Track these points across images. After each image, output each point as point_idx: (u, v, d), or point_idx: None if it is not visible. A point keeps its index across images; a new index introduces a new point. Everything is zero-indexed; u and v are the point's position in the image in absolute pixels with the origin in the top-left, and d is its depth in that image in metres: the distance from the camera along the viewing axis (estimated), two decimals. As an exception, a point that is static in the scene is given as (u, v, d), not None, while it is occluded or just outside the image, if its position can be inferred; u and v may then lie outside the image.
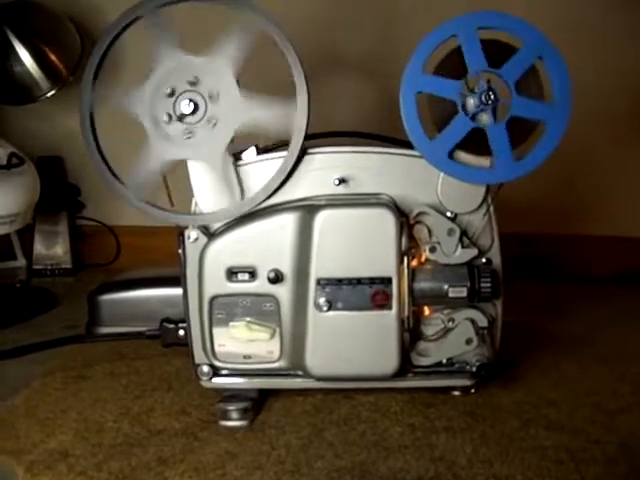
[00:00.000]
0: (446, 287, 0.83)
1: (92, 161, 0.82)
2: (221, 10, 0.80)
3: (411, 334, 0.84)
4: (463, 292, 0.83)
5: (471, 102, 0.80)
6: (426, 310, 0.86)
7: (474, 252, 0.84)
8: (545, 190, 1.41)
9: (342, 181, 0.83)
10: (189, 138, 0.81)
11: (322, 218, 0.80)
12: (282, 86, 0.80)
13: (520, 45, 0.80)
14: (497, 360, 0.87)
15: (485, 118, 0.81)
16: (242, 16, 0.80)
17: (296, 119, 0.80)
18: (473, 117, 0.81)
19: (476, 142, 0.81)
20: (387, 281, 0.81)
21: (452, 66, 0.81)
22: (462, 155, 0.83)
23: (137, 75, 0.82)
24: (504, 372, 0.95)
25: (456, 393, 0.90)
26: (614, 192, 1.55)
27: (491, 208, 0.85)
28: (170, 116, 0.81)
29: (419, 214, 0.84)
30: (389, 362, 0.83)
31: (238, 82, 0.80)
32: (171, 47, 0.80)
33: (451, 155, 0.82)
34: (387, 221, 0.80)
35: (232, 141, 0.81)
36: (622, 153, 1.53)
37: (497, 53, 0.80)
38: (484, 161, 0.83)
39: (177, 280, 0.86)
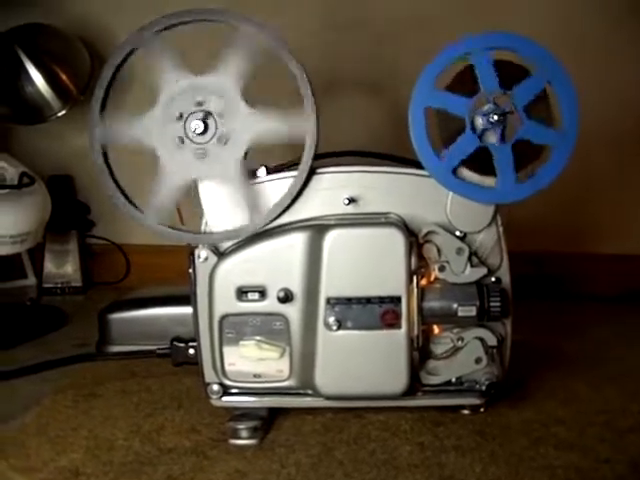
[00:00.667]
0: (455, 306, 0.83)
1: (109, 191, 0.83)
2: (222, 29, 0.81)
3: (420, 353, 0.84)
4: (472, 311, 0.83)
5: (479, 121, 0.81)
6: (435, 329, 0.86)
7: (483, 271, 0.84)
8: (553, 209, 1.41)
9: (351, 200, 0.84)
10: (202, 158, 0.82)
11: (332, 237, 0.81)
12: (289, 105, 0.81)
13: (532, 68, 0.81)
14: (506, 379, 0.87)
15: (492, 138, 0.81)
16: (244, 32, 0.80)
17: (306, 139, 0.81)
18: (480, 136, 0.81)
19: (482, 161, 0.82)
20: (397, 300, 0.81)
21: (463, 83, 0.82)
22: (467, 173, 0.83)
23: (144, 102, 0.83)
24: (513, 391, 0.95)
25: (465, 412, 0.90)
26: (620, 210, 1.55)
27: (500, 227, 0.85)
28: (182, 139, 0.81)
29: (428, 233, 0.84)
30: (398, 381, 0.83)
31: (245, 99, 0.81)
32: (174, 71, 0.81)
33: (456, 172, 0.82)
34: (396, 240, 0.80)
35: (245, 157, 0.82)
36: (627, 171, 1.53)
37: (509, 74, 0.81)
38: (488, 180, 0.83)
39: (187, 299, 0.86)
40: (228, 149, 0.81)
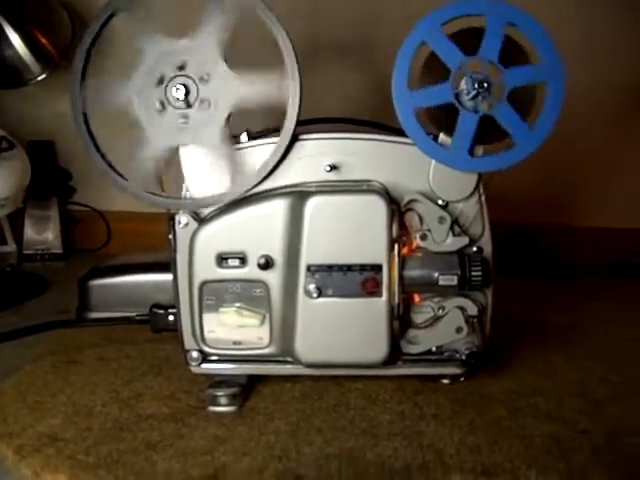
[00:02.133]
0: (436, 275, 0.83)
1: (91, 159, 0.83)
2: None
3: (401, 322, 0.84)
4: (453, 280, 0.83)
5: (466, 97, 0.80)
6: (416, 298, 0.87)
7: (465, 240, 0.85)
8: (537, 180, 1.42)
9: (333, 167, 0.84)
10: (185, 123, 0.81)
11: (313, 204, 0.81)
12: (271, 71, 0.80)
13: (535, 59, 0.80)
14: (487, 349, 0.88)
15: (486, 104, 0.81)
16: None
17: (288, 104, 0.81)
18: (475, 109, 0.81)
19: (489, 130, 0.82)
20: (377, 268, 0.82)
21: (466, 40, 0.81)
22: (481, 148, 0.83)
23: (126, 67, 0.82)
24: (493, 361, 0.96)
25: (445, 381, 0.91)
26: (606, 183, 1.56)
27: (482, 197, 0.85)
28: (163, 104, 0.81)
29: (410, 201, 0.84)
30: (378, 349, 0.83)
31: (226, 61, 0.80)
32: (153, 35, 0.80)
33: (472, 152, 0.82)
34: (378, 208, 0.81)
35: (228, 121, 0.82)
36: (616, 145, 1.54)
37: (510, 52, 0.81)
38: (446, 139, 0.83)
39: (167, 265, 0.86)
40: (210, 114, 0.81)
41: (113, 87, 0.81)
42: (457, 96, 0.81)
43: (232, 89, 0.81)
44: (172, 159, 0.82)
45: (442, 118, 0.82)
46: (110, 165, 0.83)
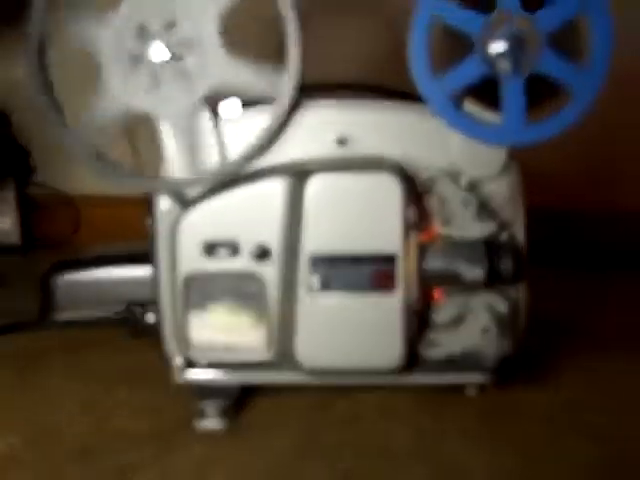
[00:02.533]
0: (460, 267, 0.85)
1: (38, 101, 0.83)
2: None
3: (419, 321, 0.86)
4: (480, 273, 0.85)
5: (492, 44, 0.81)
6: (437, 294, 0.88)
7: (494, 227, 0.86)
8: (580, 154, 1.41)
9: (340, 141, 0.85)
10: (155, 88, 0.82)
11: (316, 184, 0.83)
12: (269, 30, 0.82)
13: None
14: (520, 353, 0.89)
15: (504, 66, 0.81)
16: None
17: (288, 66, 0.81)
18: (490, 63, 0.81)
19: (488, 93, 0.82)
20: (391, 259, 0.83)
21: (455, 44, 0.82)
22: (469, 105, 0.84)
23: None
24: (530, 368, 0.97)
25: (471, 392, 0.93)
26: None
27: (516, 176, 0.87)
28: (137, 59, 0.82)
29: (430, 180, 0.86)
30: (393, 354, 0.85)
31: (221, 34, 0.81)
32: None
33: (455, 101, 0.83)
34: (392, 188, 0.82)
35: (206, 99, 0.83)
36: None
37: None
38: (492, 116, 0.84)
39: (146, 257, 0.88)
40: (186, 87, 0.82)
41: (82, 22, 0.82)
42: (490, 64, 0.81)
43: (218, 68, 0.81)
44: (131, 127, 0.82)
45: (481, 94, 0.83)
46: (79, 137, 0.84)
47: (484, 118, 0.84)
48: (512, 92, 0.82)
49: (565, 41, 0.82)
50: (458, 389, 0.92)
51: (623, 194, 1.55)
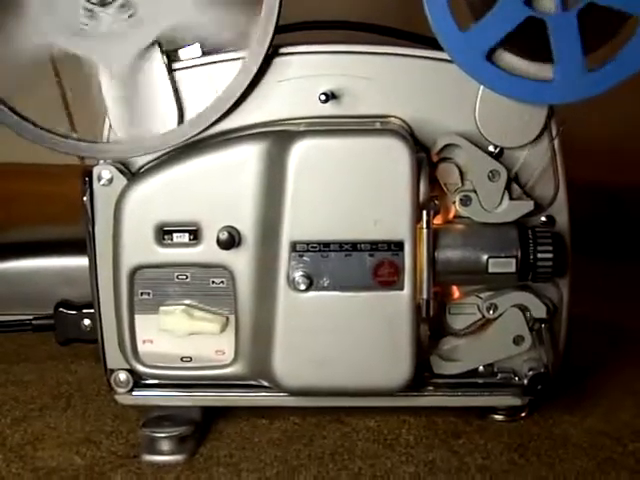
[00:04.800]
0: (485, 257, 0.84)
1: None
2: None
3: (432, 327, 0.86)
4: (511, 265, 0.84)
5: (543, -3, 0.80)
6: (455, 292, 0.88)
7: (529, 206, 0.86)
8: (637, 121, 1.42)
9: (331, 96, 0.85)
10: (88, 26, 0.81)
11: (301, 151, 0.82)
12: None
13: None
14: (562, 370, 0.89)
15: (548, 3, 0.80)
16: None
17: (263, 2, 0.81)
18: (564, 7, 0.80)
19: (531, 41, 0.82)
20: (397, 247, 0.83)
21: None
22: (508, 57, 0.83)
23: None
24: (572, 388, 0.98)
25: (499, 417, 0.93)
26: None
27: (556, 142, 0.86)
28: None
29: (447, 147, 0.85)
30: (398, 368, 0.85)
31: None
32: None
33: (492, 56, 0.82)
34: (398, 157, 0.81)
35: (154, 44, 0.82)
36: None
37: None
38: (541, 69, 0.84)
39: (81, 244, 0.87)
40: (130, 27, 0.81)
41: None
42: (530, 4, 0.80)
43: (174, 4, 0.81)
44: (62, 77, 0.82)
45: (522, 44, 0.82)
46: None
47: (527, 72, 0.83)
48: (563, 34, 0.80)
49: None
50: (481, 414, 0.93)
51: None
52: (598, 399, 0.98)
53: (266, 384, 0.88)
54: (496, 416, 0.92)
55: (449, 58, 0.83)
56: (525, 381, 0.87)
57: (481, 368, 0.89)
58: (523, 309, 0.87)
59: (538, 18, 0.80)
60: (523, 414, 0.92)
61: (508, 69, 0.83)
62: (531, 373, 0.87)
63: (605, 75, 0.81)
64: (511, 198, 0.85)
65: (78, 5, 0.81)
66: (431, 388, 0.89)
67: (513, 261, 0.84)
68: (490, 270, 0.84)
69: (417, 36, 0.86)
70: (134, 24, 0.81)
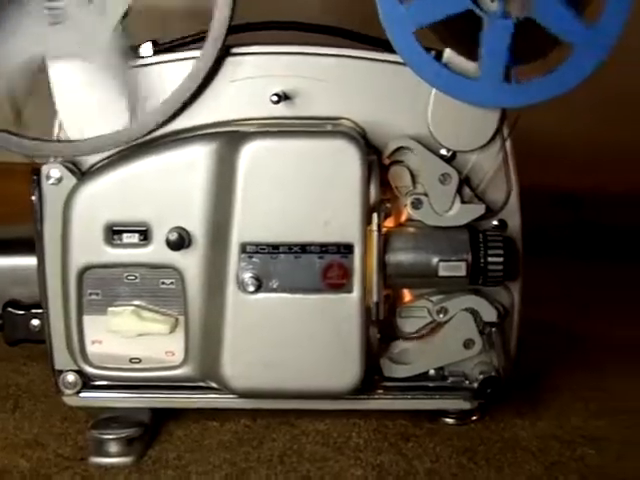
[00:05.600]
0: (435, 261, 0.84)
1: None
2: None
3: (382, 330, 0.86)
4: (461, 269, 0.84)
5: (489, -3, 0.80)
6: (406, 295, 0.88)
7: (480, 210, 0.86)
8: (593, 122, 1.42)
9: (283, 97, 0.84)
10: (57, 22, 0.80)
11: (251, 152, 0.81)
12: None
13: None
14: (513, 373, 0.89)
15: (492, 5, 0.80)
16: None
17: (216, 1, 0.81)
18: (504, 14, 0.79)
19: (527, 43, 0.81)
20: (347, 249, 0.82)
21: None
22: (456, 59, 0.83)
23: None
24: (524, 392, 0.97)
25: (449, 421, 0.92)
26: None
27: (508, 146, 0.86)
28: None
29: (398, 150, 0.85)
30: (347, 371, 0.84)
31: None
32: None
33: (509, 78, 0.82)
34: (349, 159, 0.81)
35: (123, 29, 0.82)
36: None
37: None
38: (470, 66, 0.83)
39: (29, 244, 0.87)
40: (96, 11, 0.81)
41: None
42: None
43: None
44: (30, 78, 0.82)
45: (456, 35, 0.83)
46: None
47: (464, 69, 0.83)
48: (495, 38, 0.80)
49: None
50: (432, 418, 0.92)
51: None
52: (549, 403, 0.98)
53: (216, 386, 0.87)
54: (447, 419, 0.92)
55: (402, 61, 0.83)
56: (476, 385, 0.87)
57: (432, 371, 0.89)
58: (474, 313, 0.87)
59: (477, 15, 0.79)
60: (474, 418, 0.92)
61: (456, 70, 0.83)
62: (482, 377, 0.87)
63: (527, 90, 0.82)
64: (463, 202, 0.85)
65: (46, 10, 0.80)
66: (381, 391, 0.89)
67: (464, 265, 0.84)
68: (441, 274, 0.85)
69: (370, 38, 0.86)
70: (96, 10, 0.81)
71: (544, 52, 0.83)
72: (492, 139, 0.86)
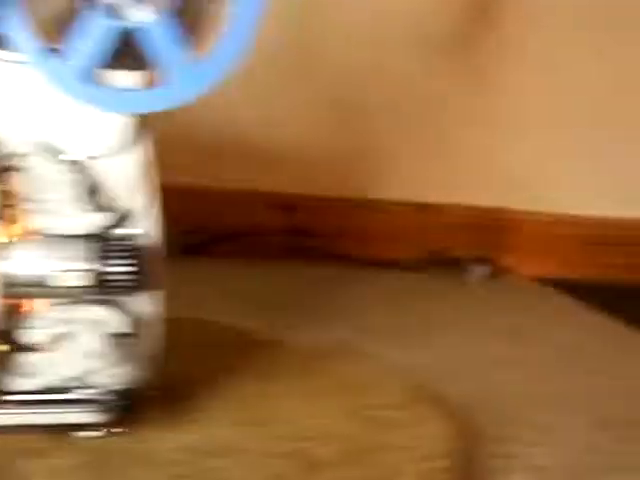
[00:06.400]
0: (56, 270, 0.83)
1: None
2: None
3: (3, 342, 0.84)
4: (85, 278, 0.83)
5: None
6: (27, 305, 0.86)
7: (108, 218, 0.85)
8: (316, 130, 1.43)
9: None
10: None
11: None
12: None
13: None
14: (155, 384, 0.89)
15: (138, 13, 0.79)
16: None
17: None
18: (111, 15, 0.78)
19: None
20: (-45, 258, 0.81)
21: None
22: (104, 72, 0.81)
23: None
24: (168, 402, 0.96)
25: (82, 434, 0.90)
26: (409, 148, 1.59)
27: (147, 153, 0.86)
28: None
29: (21, 156, 0.83)
30: (-41, 384, 0.83)
31: None
32: None
33: (86, 75, 0.80)
34: (-42, 164, 0.79)
35: None
36: (438, 81, 1.58)
37: None
38: (137, 78, 0.83)
39: None
40: None
41: None
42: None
43: None
44: None
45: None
46: None
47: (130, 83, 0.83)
48: (164, 40, 0.79)
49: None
50: (63, 432, 0.89)
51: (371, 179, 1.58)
52: (201, 414, 0.97)
53: None
54: (78, 433, 0.90)
55: (22, 60, 0.80)
56: (106, 397, 0.87)
57: (59, 384, 0.87)
58: (101, 323, 0.86)
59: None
60: (106, 431, 0.90)
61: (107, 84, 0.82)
62: (113, 389, 0.87)
63: (208, 68, 0.81)
64: (91, 209, 0.84)
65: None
66: (5, 406, 0.86)
67: (88, 274, 0.82)
68: (64, 283, 0.83)
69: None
70: None
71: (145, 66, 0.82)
72: (126, 146, 0.84)
